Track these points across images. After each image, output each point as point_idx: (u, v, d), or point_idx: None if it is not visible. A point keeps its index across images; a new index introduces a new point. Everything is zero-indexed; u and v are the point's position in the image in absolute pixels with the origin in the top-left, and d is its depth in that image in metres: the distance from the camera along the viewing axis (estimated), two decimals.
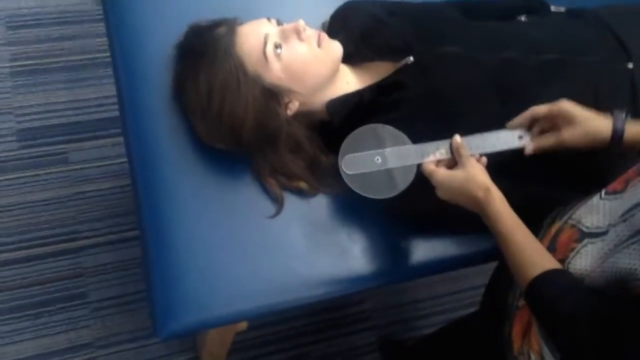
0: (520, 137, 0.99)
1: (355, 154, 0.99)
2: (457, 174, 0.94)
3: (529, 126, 0.99)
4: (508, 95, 1.05)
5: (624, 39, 1.10)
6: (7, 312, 1.57)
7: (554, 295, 0.77)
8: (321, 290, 1.03)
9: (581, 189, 0.94)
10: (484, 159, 0.97)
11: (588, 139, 0.93)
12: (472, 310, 1.74)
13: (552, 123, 0.96)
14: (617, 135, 0.91)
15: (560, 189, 1.03)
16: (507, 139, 0.99)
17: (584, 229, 0.85)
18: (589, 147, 0.94)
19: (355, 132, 1.00)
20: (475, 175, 0.92)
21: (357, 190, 0.98)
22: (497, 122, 1.01)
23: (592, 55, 1.08)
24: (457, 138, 0.98)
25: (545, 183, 1.06)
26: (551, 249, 0.89)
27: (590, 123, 0.93)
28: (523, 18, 1.18)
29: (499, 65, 1.06)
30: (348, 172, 0.99)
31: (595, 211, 0.85)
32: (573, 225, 0.88)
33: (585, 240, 0.83)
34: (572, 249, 0.85)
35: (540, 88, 1.03)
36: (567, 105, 0.94)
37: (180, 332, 0.99)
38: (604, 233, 0.82)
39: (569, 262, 0.84)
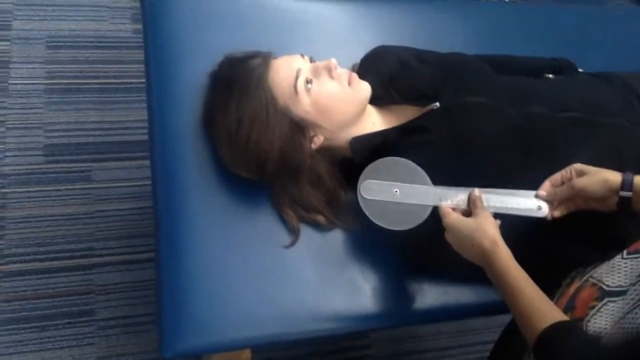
0: (540, 208, 1.00)
1: (376, 181, 1.01)
2: (468, 221, 0.96)
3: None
4: (530, 148, 1.07)
5: None
6: (15, 322, 1.58)
7: (564, 346, 0.77)
8: (330, 324, 1.03)
9: (601, 251, 0.95)
10: (498, 221, 0.97)
11: (598, 185, 0.95)
12: None
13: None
14: (627, 180, 0.93)
15: (580, 251, 1.03)
16: (526, 206, 1.00)
17: (605, 288, 0.85)
18: (602, 197, 0.95)
19: (382, 160, 1.02)
20: (485, 226, 0.93)
21: (368, 215, 1.00)
22: (518, 173, 1.02)
23: (618, 117, 1.10)
24: (477, 192, 0.99)
25: (565, 245, 1.06)
26: (570, 307, 0.89)
27: (601, 173, 0.96)
28: (550, 76, 1.21)
29: (523, 118, 1.08)
30: (365, 196, 1.00)
31: (617, 270, 0.85)
32: (594, 284, 0.88)
33: (606, 299, 0.83)
34: (592, 307, 0.84)
35: (563, 144, 1.04)
36: (578, 165, 0.98)
37: (186, 353, 0.99)
38: (625, 292, 0.81)
39: (588, 321, 0.83)
